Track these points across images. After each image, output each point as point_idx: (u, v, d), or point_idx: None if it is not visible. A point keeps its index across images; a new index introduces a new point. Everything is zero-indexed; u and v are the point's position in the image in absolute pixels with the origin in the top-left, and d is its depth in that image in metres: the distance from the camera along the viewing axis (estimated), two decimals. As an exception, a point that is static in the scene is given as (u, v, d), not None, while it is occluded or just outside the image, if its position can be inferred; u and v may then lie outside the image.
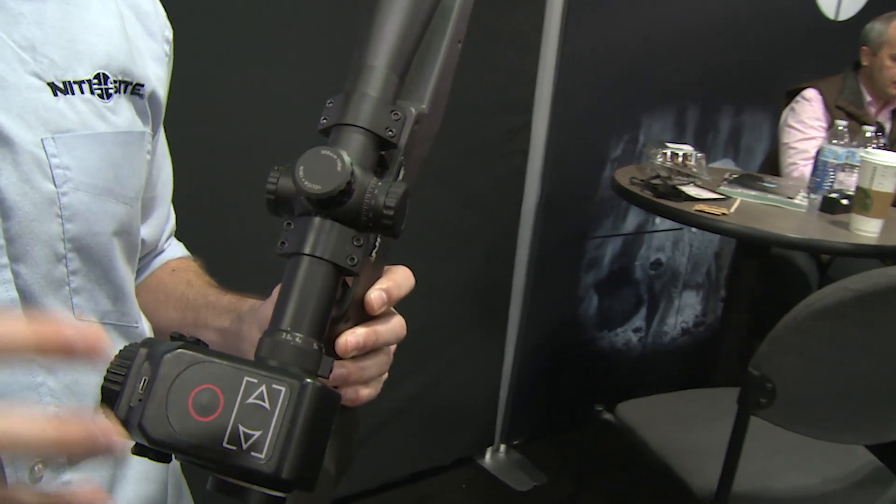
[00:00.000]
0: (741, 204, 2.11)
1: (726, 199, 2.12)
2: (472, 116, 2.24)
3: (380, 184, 0.44)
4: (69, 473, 0.60)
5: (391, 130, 0.46)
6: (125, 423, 0.40)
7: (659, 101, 2.73)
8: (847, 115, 2.68)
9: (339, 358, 0.50)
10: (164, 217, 0.80)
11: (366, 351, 0.51)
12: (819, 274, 2.69)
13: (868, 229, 1.93)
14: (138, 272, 0.80)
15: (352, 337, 0.50)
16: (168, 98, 0.72)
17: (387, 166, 0.47)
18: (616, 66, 2.54)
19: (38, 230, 0.55)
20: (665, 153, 2.19)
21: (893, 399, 1.42)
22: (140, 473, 0.70)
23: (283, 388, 0.38)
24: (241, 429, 0.38)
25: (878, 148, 2.20)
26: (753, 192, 2.22)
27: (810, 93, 2.77)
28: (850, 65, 2.85)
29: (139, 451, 0.40)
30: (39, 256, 0.56)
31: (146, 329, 0.70)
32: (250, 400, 0.38)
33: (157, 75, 0.68)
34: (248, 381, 0.38)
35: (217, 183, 1.79)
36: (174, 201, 0.85)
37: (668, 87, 2.74)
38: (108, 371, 0.42)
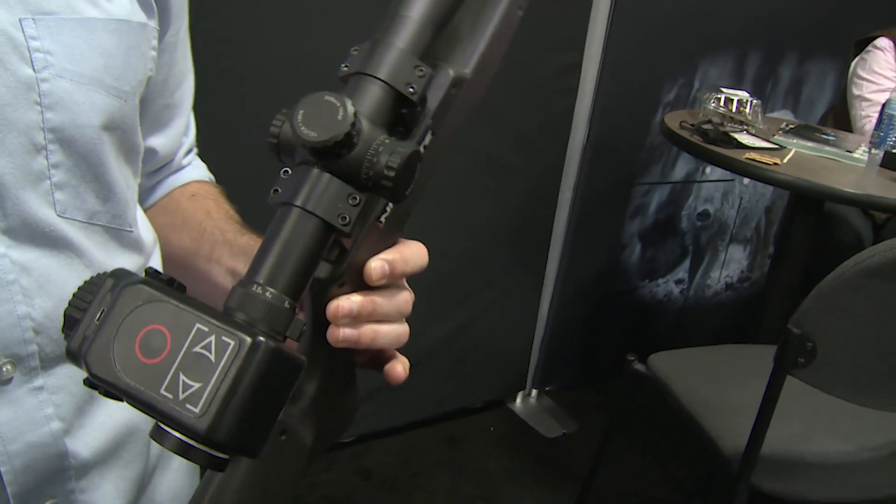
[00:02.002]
0: (796, 155, 2.02)
1: (780, 149, 2.03)
2: (521, 53, 2.16)
3: (387, 141, 0.41)
4: (42, 378, 0.57)
5: (412, 87, 0.43)
6: (75, 354, 0.38)
7: (717, 45, 2.62)
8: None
9: (324, 323, 0.47)
10: (181, 128, 0.76)
11: (360, 321, 0.48)
12: (873, 234, 2.59)
13: (931, 188, 1.84)
14: (154, 188, 0.77)
15: (346, 302, 0.46)
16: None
17: (409, 127, 0.45)
18: (674, 6, 2.43)
19: (13, 116, 0.52)
20: (719, 98, 2.10)
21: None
22: (181, 465, 0.70)
23: (232, 343, 0.36)
24: (182, 377, 0.36)
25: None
26: (810, 144, 2.13)
27: (883, 41, 2.63)
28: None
29: (90, 384, 0.38)
30: (14, 145, 0.52)
31: (143, 236, 0.66)
32: (197, 349, 0.36)
33: None
34: (198, 329, 0.36)
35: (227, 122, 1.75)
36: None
37: (727, 32, 2.63)
38: (72, 297, 0.40)
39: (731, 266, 3.09)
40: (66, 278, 0.56)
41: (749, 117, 2.09)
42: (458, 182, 2.19)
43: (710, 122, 2.05)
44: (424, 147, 0.46)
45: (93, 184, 0.58)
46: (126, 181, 0.62)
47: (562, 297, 2.64)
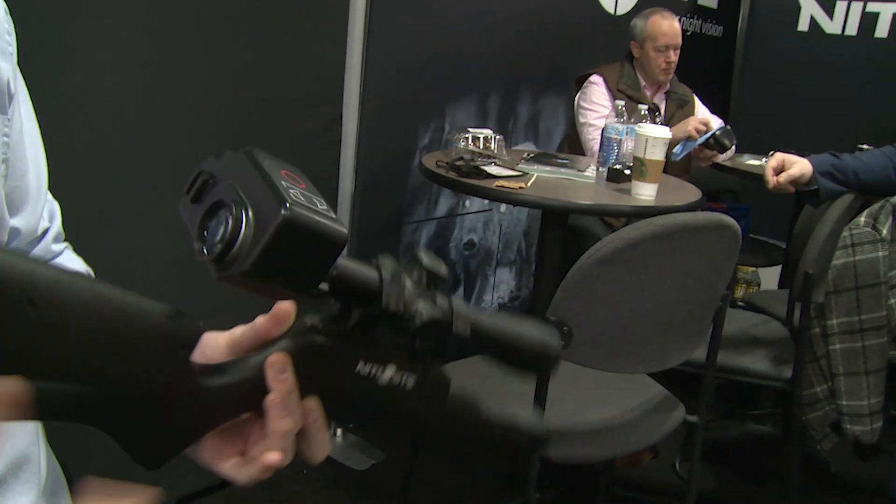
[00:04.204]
0: (538, 179, 2.31)
1: (524, 175, 2.32)
2: (287, 111, 2.34)
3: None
4: None
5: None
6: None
7: (462, 90, 2.93)
8: (627, 97, 2.98)
9: None
10: (37, 210, 0.82)
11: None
12: (613, 240, 2.96)
13: (645, 193, 2.19)
14: None
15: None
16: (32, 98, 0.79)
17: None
18: (420, 59, 2.71)
19: None
20: (467, 137, 2.37)
21: (668, 331, 1.65)
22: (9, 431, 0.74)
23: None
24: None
25: (652, 124, 2.47)
26: (548, 168, 2.44)
27: (595, 77, 3.05)
28: (626, 54, 3.15)
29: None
30: None
31: None
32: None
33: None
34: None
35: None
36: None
37: (469, 78, 2.95)
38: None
39: (500, 288, 3.40)
40: None
41: (495, 151, 2.38)
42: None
43: (461, 158, 2.30)
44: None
45: None
46: None
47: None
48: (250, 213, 0.48)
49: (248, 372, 0.54)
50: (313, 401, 0.55)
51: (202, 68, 2.12)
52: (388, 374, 0.56)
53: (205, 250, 0.49)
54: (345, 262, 0.52)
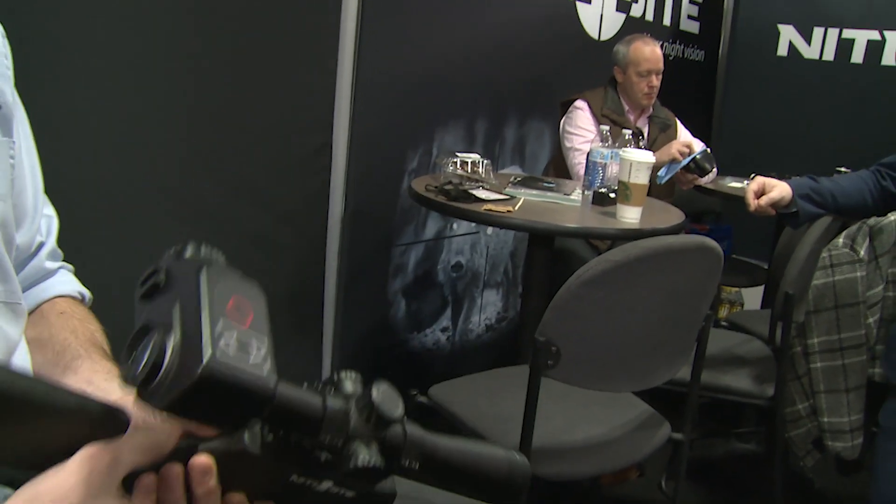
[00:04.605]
0: (525, 202, 2.36)
1: (511, 199, 2.37)
2: (278, 137, 2.39)
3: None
4: None
5: None
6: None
7: (449, 115, 2.98)
8: (611, 121, 3.04)
9: None
10: (34, 227, 0.88)
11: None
12: (599, 262, 3.01)
13: (630, 216, 2.24)
14: (26, 287, 0.88)
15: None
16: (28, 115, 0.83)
17: None
18: (409, 85, 2.76)
19: None
20: (455, 161, 2.42)
21: (654, 350, 1.69)
22: None
23: None
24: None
25: (636, 148, 2.53)
26: (535, 192, 2.49)
27: (580, 103, 3.11)
28: (609, 79, 3.22)
29: None
30: None
31: (25, 309, 0.80)
32: None
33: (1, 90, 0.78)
34: None
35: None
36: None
37: (457, 103, 3.00)
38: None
39: (488, 309, 3.44)
40: None
41: (483, 175, 2.42)
42: (236, 259, 2.35)
43: (450, 182, 2.34)
44: None
45: None
46: (12, 266, 0.76)
47: (341, 358, 2.83)
48: (177, 349, 0.47)
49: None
50: (239, 496, 0.56)
51: (193, 93, 2.16)
52: (325, 486, 0.56)
53: (129, 372, 0.49)
54: (287, 392, 0.51)
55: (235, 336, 0.49)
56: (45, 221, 0.92)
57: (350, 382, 0.56)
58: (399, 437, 0.56)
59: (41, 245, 0.90)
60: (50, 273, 0.92)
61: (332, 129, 2.57)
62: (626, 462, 1.87)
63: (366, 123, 2.61)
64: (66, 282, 0.94)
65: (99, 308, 0.96)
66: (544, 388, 1.58)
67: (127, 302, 0.55)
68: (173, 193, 2.14)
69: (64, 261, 0.97)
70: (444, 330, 3.24)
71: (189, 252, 0.55)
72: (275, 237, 2.48)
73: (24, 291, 0.87)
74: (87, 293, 0.96)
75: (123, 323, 0.57)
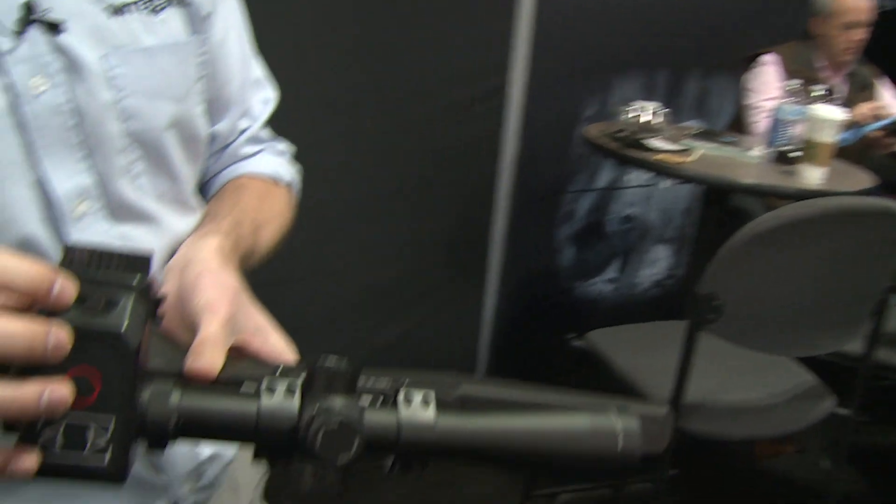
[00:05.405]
0: (701, 155, 2.29)
1: (686, 150, 2.31)
2: (450, 78, 2.42)
3: None
4: None
5: None
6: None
7: (629, 63, 2.91)
8: (802, 77, 2.87)
9: None
10: (236, 117, 0.90)
11: None
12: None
13: (813, 176, 2.13)
14: (216, 177, 0.91)
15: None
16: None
17: None
18: (588, 31, 2.72)
19: (104, 129, 0.69)
20: (631, 109, 2.37)
21: (819, 317, 1.62)
22: None
23: None
24: None
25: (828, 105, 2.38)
26: (712, 145, 2.41)
27: (768, 57, 2.95)
28: (804, 31, 3.03)
29: None
30: (108, 149, 0.70)
31: (196, 203, 0.83)
32: None
33: None
34: None
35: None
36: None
37: (638, 52, 2.92)
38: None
39: (657, 265, 3.37)
40: (151, 241, 0.74)
41: (659, 125, 2.37)
42: (398, 202, 2.43)
43: (624, 130, 2.31)
44: None
45: (163, 170, 0.76)
46: (187, 164, 0.80)
47: (503, 300, 2.87)
48: None
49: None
50: None
51: (363, 26, 2.22)
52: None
53: None
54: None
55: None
56: (259, 106, 0.94)
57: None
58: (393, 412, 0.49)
59: (243, 131, 0.93)
60: (244, 157, 0.93)
61: (507, 72, 2.58)
62: (783, 430, 1.81)
63: (543, 66, 2.60)
64: (262, 163, 0.94)
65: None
66: (702, 346, 1.56)
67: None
68: (343, 132, 2.22)
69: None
70: (609, 281, 3.22)
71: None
72: (443, 178, 2.53)
73: (214, 177, 0.91)
74: (286, 176, 0.96)
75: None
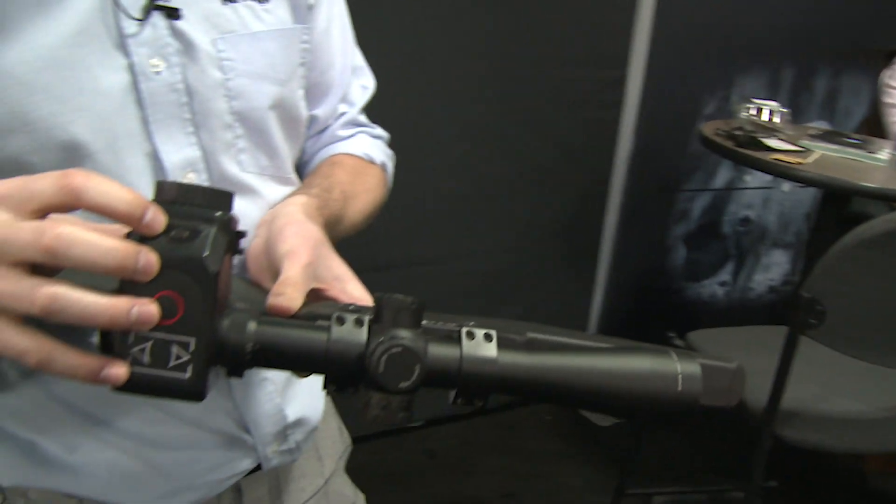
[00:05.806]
0: (821, 157, 2.20)
1: (805, 151, 2.22)
2: (569, 69, 2.42)
3: None
4: None
5: None
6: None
7: (753, 60, 2.83)
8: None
9: None
10: (335, 101, 0.95)
11: None
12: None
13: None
14: (313, 158, 0.97)
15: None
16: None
17: None
18: (711, 24, 2.65)
19: (212, 107, 0.74)
20: (750, 107, 2.31)
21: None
22: (308, 387, 0.88)
23: None
24: None
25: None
26: (834, 146, 2.31)
27: (909, 53, 2.81)
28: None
29: None
30: (214, 126, 0.75)
31: (295, 179, 0.88)
32: None
33: None
34: None
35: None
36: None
37: (762, 47, 2.83)
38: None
39: (773, 269, 3.27)
40: (252, 211, 0.79)
41: (778, 124, 2.29)
42: (515, 189, 2.45)
43: (741, 128, 2.25)
44: None
45: (264, 147, 0.81)
46: (286, 143, 0.85)
47: (611, 295, 2.85)
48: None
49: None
50: None
51: (487, 21, 2.24)
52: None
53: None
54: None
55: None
56: (357, 92, 0.99)
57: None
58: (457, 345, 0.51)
59: (341, 115, 0.98)
60: (341, 139, 0.98)
61: (628, 64, 2.55)
62: (887, 447, 1.72)
63: (663, 61, 2.56)
64: (357, 144, 0.98)
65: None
66: (805, 353, 1.51)
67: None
68: (466, 125, 2.25)
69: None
70: (722, 284, 3.14)
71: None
72: (559, 169, 2.53)
73: (312, 158, 0.96)
74: (379, 157, 0.99)
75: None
